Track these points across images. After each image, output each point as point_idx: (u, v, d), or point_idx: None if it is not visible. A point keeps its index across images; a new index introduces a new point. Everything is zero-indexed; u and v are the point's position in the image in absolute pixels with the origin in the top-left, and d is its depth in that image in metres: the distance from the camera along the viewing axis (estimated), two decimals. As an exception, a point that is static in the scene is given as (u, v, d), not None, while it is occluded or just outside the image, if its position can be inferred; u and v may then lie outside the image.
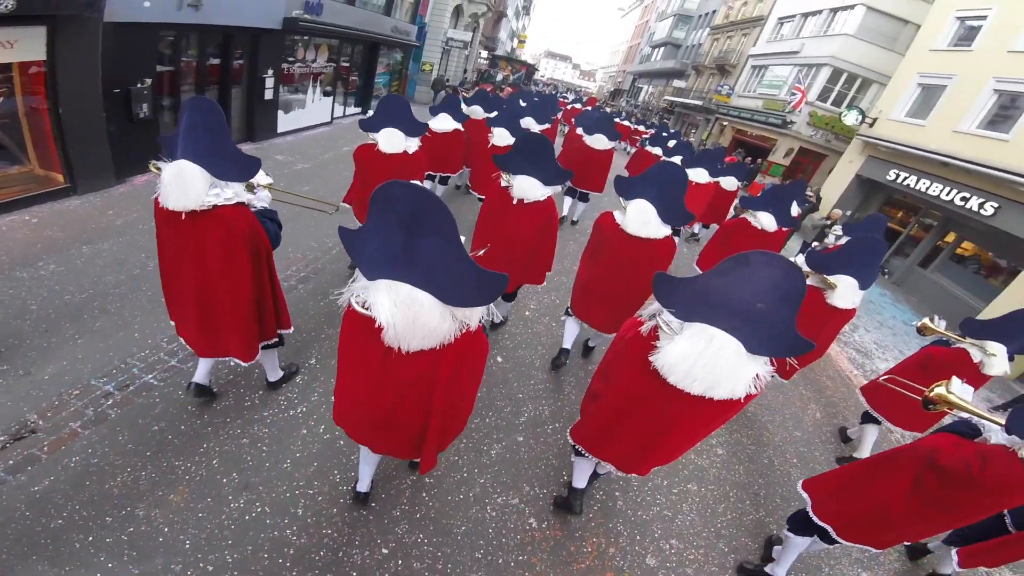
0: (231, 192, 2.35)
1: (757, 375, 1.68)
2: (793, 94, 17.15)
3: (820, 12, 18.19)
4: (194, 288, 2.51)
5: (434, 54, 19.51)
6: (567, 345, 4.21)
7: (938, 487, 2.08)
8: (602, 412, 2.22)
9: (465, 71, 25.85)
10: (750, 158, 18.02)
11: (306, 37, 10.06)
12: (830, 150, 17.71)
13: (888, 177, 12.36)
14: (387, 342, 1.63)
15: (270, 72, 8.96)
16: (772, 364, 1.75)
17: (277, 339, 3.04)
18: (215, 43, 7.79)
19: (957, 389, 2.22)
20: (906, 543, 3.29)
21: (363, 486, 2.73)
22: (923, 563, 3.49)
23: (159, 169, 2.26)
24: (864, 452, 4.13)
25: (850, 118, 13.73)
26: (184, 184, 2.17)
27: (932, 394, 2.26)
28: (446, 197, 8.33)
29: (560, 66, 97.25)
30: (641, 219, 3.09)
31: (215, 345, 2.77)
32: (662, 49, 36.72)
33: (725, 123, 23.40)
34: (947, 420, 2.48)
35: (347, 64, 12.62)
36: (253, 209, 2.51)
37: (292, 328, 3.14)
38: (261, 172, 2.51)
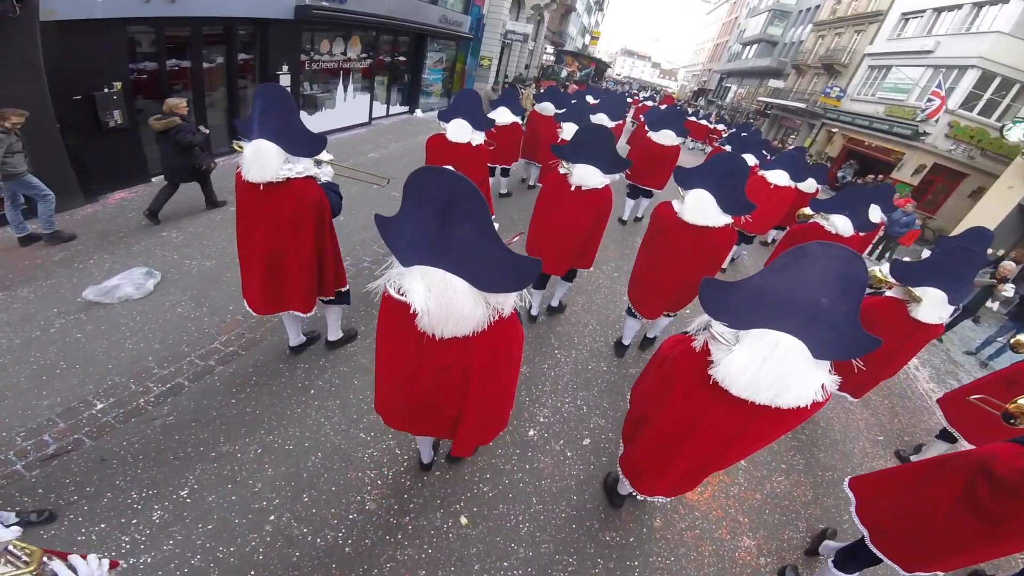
0: (302, 167, 2.61)
1: (823, 385, 1.55)
2: (930, 100, 13.73)
3: (959, 7, 15.05)
4: (264, 250, 2.76)
5: (493, 48, 17.98)
6: (626, 341, 4.38)
7: (987, 496, 1.84)
8: (653, 437, 2.07)
9: (527, 66, 24.07)
10: (871, 176, 14.66)
11: (329, 27, 8.80)
12: (973, 169, 14.19)
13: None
14: (420, 328, 1.60)
15: (284, 68, 7.86)
16: (833, 372, 1.60)
17: (334, 297, 3.26)
18: (214, 38, 6.71)
19: None
20: None
21: (426, 458, 2.87)
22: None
23: (241, 148, 2.55)
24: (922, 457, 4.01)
25: (1015, 133, 10.48)
26: (262, 160, 2.46)
27: (1012, 406, 2.14)
28: (511, 188, 7.98)
29: (639, 64, 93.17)
30: (699, 207, 3.07)
31: (275, 302, 3.02)
32: (755, 47, 33.62)
33: (834, 129, 19.90)
34: None
35: (389, 58, 11.35)
36: (319, 182, 2.77)
37: (348, 286, 3.34)
38: (324, 151, 2.74)
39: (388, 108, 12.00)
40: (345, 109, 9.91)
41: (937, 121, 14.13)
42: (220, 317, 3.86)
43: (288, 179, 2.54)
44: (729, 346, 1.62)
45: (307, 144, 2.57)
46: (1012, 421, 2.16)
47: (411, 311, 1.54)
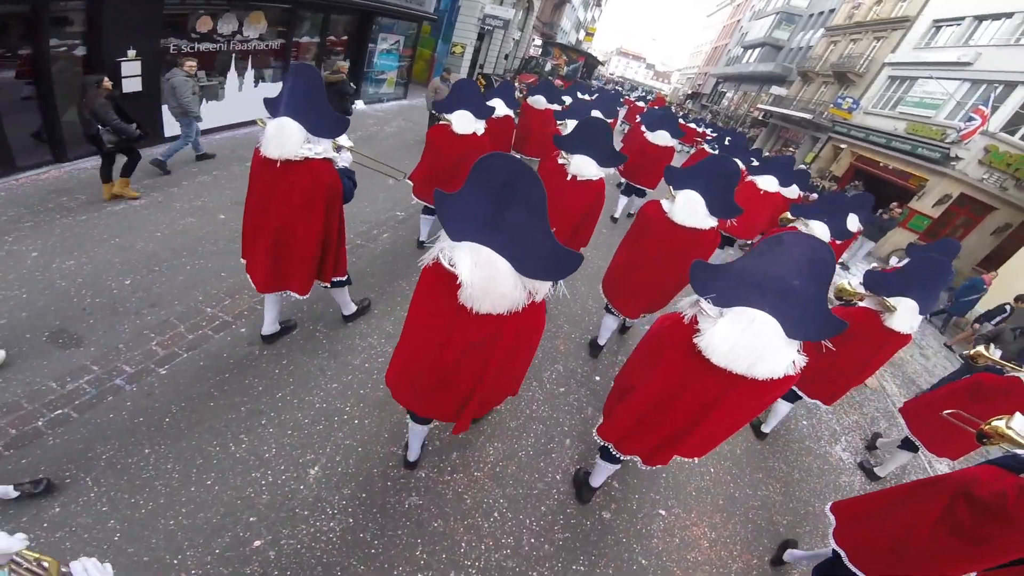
0: (321, 148, 2.60)
1: (794, 361, 1.69)
2: (971, 119, 11.72)
3: (1009, 15, 12.85)
4: (273, 227, 2.75)
5: (468, 34, 15.66)
6: (602, 341, 4.35)
7: (968, 517, 1.91)
8: (637, 405, 2.16)
9: (506, 56, 21.56)
10: (896, 206, 12.44)
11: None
12: (1003, 203, 12.23)
13: None
14: (461, 300, 1.65)
15: (131, 53, 5.55)
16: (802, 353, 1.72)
17: (331, 284, 3.29)
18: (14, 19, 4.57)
19: (1019, 426, 1.98)
20: None
21: (413, 456, 2.81)
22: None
23: (264, 123, 2.56)
24: (885, 469, 4.11)
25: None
26: (283, 137, 2.46)
27: (988, 427, 2.06)
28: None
29: (633, 65, 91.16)
30: (688, 209, 3.07)
31: (277, 281, 3.01)
32: (758, 51, 31.76)
33: (843, 145, 17.90)
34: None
35: (316, 39, 8.96)
36: (336, 166, 2.79)
37: (347, 275, 3.37)
38: (344, 135, 2.76)
39: (320, 101, 9.64)
40: (240, 102, 7.42)
41: (969, 144, 12.16)
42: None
43: (306, 158, 2.53)
44: (715, 319, 1.74)
45: (329, 125, 2.56)
46: (985, 440, 2.07)
47: (456, 282, 1.60)
